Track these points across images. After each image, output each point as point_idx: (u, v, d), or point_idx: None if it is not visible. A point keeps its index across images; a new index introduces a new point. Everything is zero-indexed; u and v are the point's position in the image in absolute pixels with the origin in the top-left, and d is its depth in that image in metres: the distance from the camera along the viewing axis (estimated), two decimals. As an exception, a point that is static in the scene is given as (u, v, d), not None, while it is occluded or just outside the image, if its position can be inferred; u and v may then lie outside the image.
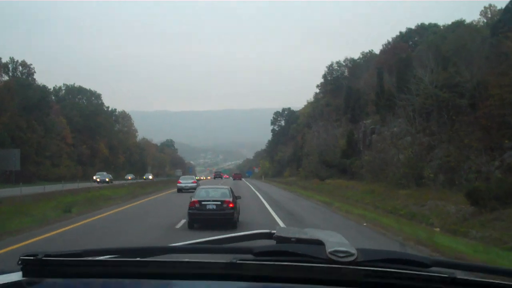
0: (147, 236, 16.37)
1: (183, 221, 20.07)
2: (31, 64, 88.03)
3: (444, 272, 1.33)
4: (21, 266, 1.36)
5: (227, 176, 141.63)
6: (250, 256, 1.40)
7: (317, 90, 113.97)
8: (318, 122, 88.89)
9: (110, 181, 74.22)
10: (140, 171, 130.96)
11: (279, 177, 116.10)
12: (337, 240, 1.44)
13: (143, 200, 37.16)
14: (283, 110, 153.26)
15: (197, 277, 1.37)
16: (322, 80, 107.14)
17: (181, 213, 22.18)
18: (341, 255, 1.34)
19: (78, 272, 1.39)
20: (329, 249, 1.36)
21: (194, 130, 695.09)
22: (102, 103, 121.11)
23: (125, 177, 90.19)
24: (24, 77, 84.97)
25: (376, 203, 34.53)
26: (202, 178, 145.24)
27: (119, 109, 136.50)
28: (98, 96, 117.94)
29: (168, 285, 1.62)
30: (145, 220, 22.19)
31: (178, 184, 49.69)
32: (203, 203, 18.36)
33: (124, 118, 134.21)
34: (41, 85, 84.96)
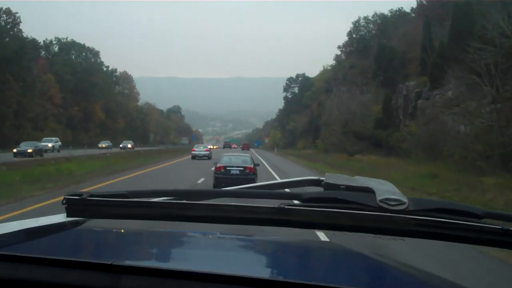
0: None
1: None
2: (16, 13, 76.04)
3: (496, 224, 1.30)
4: (65, 205, 1.35)
5: (235, 146, 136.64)
6: (298, 202, 1.37)
7: (339, 52, 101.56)
8: (340, 87, 76.99)
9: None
10: (141, 138, 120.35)
11: (291, 149, 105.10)
12: (388, 188, 1.40)
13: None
14: (297, 76, 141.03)
15: (244, 221, 1.36)
16: (345, 40, 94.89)
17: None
18: (392, 203, 1.31)
19: (123, 213, 1.37)
20: (379, 197, 1.32)
21: (203, 97, 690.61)
22: (101, 62, 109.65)
23: (99, 144, 71.41)
24: (8, 26, 73.14)
25: (449, 195, 22.93)
26: (210, 146, 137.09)
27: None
28: (96, 54, 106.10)
29: (214, 228, 1.71)
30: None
31: (193, 152, 54.88)
32: (227, 168, 20.40)
33: (125, 79, 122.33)
34: (22, 36, 72.96)
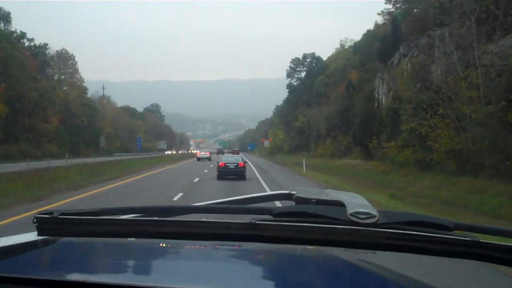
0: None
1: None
2: None
3: (467, 236, 1.29)
4: (36, 224, 1.32)
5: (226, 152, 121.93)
6: (269, 217, 1.35)
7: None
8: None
9: None
10: (92, 143, 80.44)
11: (301, 153, 66.69)
12: (359, 202, 1.37)
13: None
14: (304, 57, 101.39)
15: (216, 237, 1.34)
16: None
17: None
18: (362, 216, 1.28)
19: (94, 231, 1.35)
20: (350, 210, 1.30)
21: (192, 100, 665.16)
22: (22, 34, 69.89)
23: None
24: None
25: None
26: (195, 151, 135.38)
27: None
28: (4, 17, 66.18)
29: (185, 245, 1.71)
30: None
31: (197, 155, 76.28)
32: (227, 164, 28.51)
33: (62, 60, 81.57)
34: None
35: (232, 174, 27.79)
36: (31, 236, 1.43)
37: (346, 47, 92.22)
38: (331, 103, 67.34)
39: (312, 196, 1.45)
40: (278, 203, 1.90)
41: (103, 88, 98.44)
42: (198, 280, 1.36)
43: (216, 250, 1.80)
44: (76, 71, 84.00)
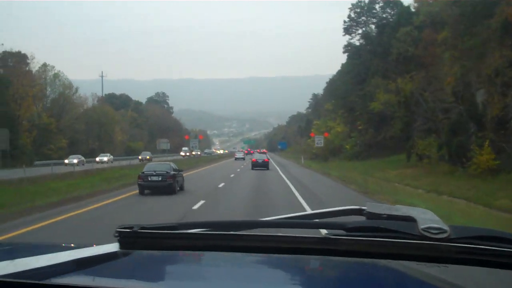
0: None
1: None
2: None
3: None
4: (117, 238, 1.40)
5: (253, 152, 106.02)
6: (342, 232, 1.37)
7: None
8: None
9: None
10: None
11: (383, 160, 30.91)
12: (430, 217, 1.38)
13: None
14: (372, 1, 61.17)
15: (290, 251, 1.37)
16: None
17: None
18: (434, 231, 1.29)
19: (173, 245, 1.41)
20: (421, 225, 1.31)
21: (218, 98, 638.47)
22: None
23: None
24: None
25: None
26: (220, 151, 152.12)
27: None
28: None
29: (261, 258, 1.66)
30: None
31: (235, 156, 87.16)
32: (257, 159, 45.74)
33: None
34: None
35: (260, 166, 44.13)
36: (113, 247, 1.46)
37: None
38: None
39: (383, 212, 1.45)
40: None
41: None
42: None
43: (291, 263, 1.73)
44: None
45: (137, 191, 20.80)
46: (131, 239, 1.36)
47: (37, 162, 49.65)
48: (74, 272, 1.32)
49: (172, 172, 20.74)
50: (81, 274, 1.34)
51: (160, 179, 20.10)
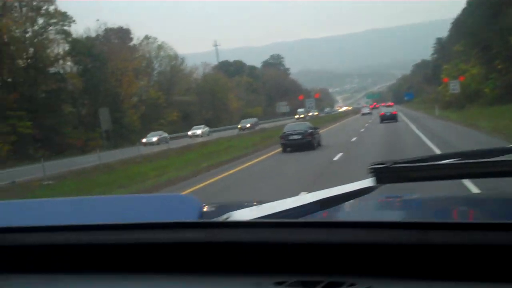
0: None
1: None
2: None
3: None
4: (373, 173, 1.43)
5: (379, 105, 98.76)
6: None
7: None
8: None
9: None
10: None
11: None
12: None
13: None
14: None
15: None
16: None
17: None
18: None
19: (423, 176, 1.43)
20: None
21: (336, 55, 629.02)
22: None
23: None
24: None
25: None
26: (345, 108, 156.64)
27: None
28: None
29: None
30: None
31: (361, 112, 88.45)
32: (385, 113, 47.78)
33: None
34: None
35: (389, 119, 45.92)
36: (369, 182, 1.49)
37: None
38: None
39: None
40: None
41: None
42: None
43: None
44: None
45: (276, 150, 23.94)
46: (386, 174, 1.39)
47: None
48: (334, 208, 1.47)
49: (310, 130, 23.34)
50: (341, 210, 1.53)
51: (300, 137, 22.61)
